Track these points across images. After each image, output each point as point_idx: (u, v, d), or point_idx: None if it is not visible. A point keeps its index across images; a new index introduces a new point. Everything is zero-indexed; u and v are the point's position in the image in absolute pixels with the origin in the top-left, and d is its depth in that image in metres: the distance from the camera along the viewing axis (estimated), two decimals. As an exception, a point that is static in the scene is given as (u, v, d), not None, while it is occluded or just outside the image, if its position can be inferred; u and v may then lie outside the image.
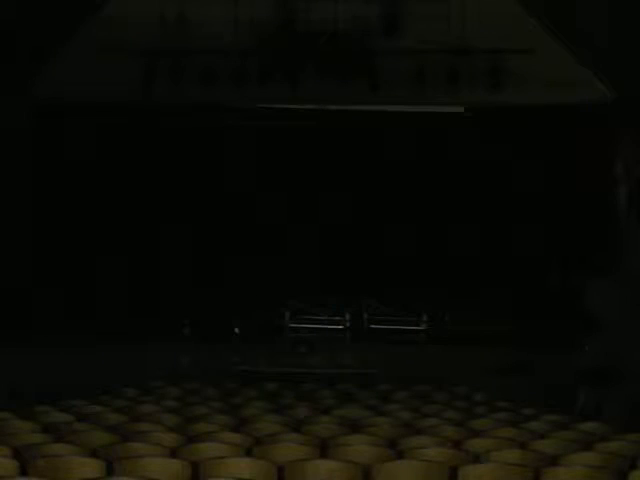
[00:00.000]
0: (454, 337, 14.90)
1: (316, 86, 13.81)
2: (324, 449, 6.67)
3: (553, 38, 13.98)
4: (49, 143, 15.40)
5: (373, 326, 15.67)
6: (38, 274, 15.00)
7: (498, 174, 15.83)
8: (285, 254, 16.08)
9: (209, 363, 13.05)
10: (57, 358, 12.37)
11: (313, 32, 13.63)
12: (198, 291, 15.55)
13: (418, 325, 15.69)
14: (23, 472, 5.79)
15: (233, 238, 16.14)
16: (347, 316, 15.62)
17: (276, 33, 13.71)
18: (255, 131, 16.10)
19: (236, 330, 14.99)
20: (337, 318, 15.66)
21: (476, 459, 6.36)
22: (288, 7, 13.62)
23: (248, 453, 6.44)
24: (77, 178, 15.69)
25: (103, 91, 14.15)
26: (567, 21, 13.60)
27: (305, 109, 15.69)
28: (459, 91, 13.78)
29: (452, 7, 13.69)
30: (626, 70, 13.27)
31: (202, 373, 12.21)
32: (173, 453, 6.38)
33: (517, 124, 15.42)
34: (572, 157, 15.16)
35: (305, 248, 16.11)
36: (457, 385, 10.99)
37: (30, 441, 6.52)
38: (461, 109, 15.72)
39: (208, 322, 14.85)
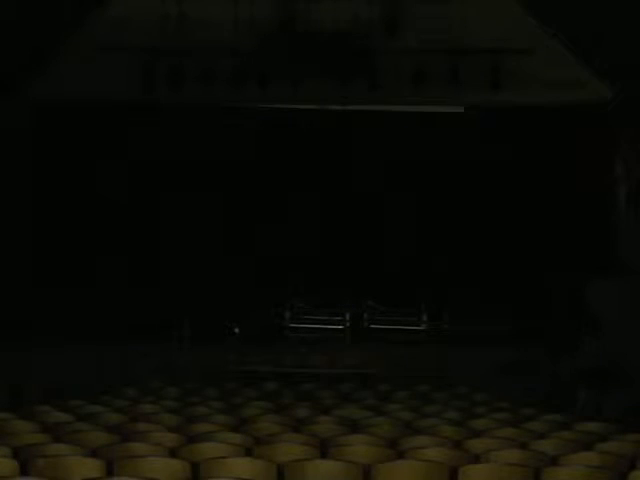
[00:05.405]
0: (454, 337, 14.90)
1: (316, 86, 13.81)
2: (324, 449, 6.66)
3: (553, 38, 13.98)
4: (49, 143, 15.40)
5: (373, 326, 15.65)
6: (38, 274, 15.01)
7: (498, 174, 15.81)
8: (284, 254, 16.07)
9: (209, 363, 13.05)
10: (57, 358, 12.37)
11: (313, 32, 13.63)
12: (198, 291, 15.53)
13: (418, 325, 15.68)
14: (23, 472, 5.79)
15: (234, 238, 16.13)
16: (347, 316, 15.59)
17: (276, 33, 13.71)
18: (255, 131, 16.09)
19: (236, 330, 14.98)
20: (337, 318, 15.64)
21: (476, 459, 6.36)
22: (288, 7, 13.62)
23: (248, 453, 6.43)
24: (77, 178, 15.69)
25: (103, 90, 14.15)
26: (567, 21, 13.60)
27: (305, 109, 15.68)
28: (459, 91, 13.78)
29: (452, 7, 13.71)
30: (626, 70, 13.27)
31: (202, 373, 12.21)
32: (173, 453, 6.38)
33: (517, 124, 15.41)
34: (572, 157, 15.15)
35: (305, 248, 16.10)
36: (457, 385, 10.98)
37: (30, 441, 6.51)
38: (461, 109, 15.73)
39: (208, 322, 14.84)
